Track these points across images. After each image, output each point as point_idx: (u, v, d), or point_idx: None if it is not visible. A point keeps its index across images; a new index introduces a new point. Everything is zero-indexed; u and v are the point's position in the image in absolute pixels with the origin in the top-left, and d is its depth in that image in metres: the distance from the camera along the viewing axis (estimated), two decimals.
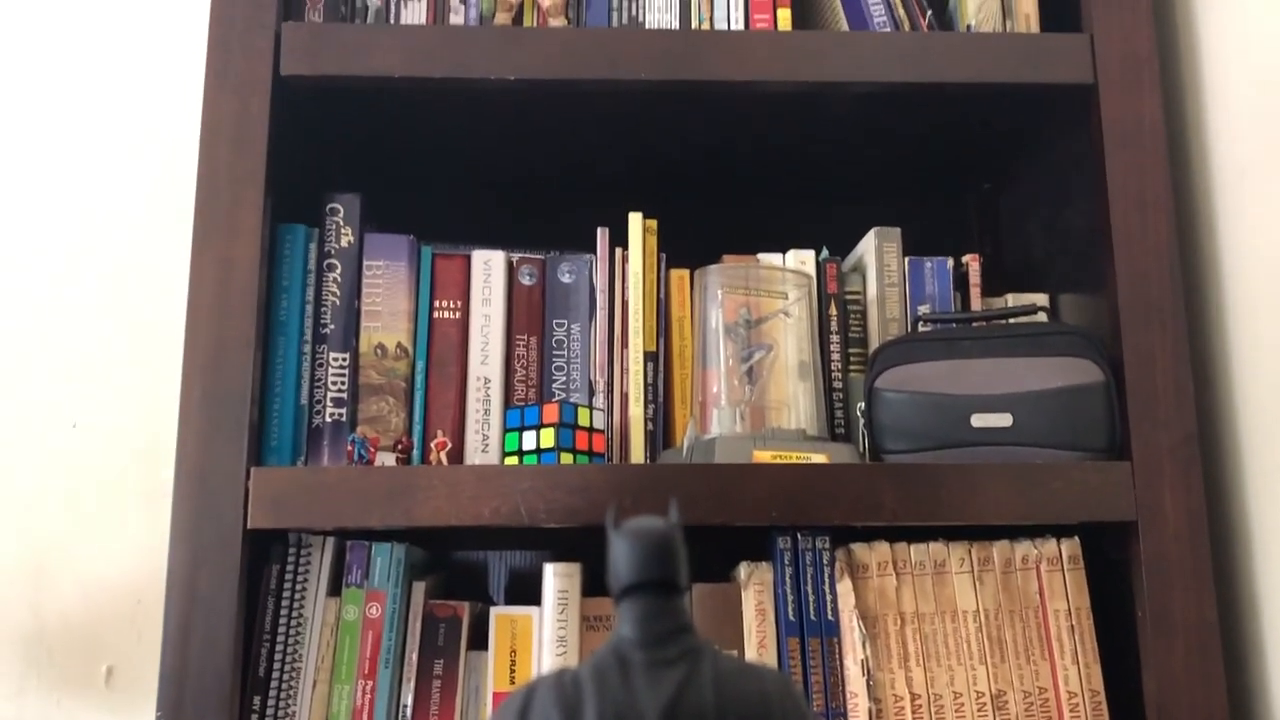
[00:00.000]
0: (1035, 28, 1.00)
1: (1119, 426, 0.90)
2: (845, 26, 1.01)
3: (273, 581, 0.89)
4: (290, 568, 0.89)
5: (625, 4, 1.03)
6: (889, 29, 1.00)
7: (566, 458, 0.92)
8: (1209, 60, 0.99)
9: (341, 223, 0.99)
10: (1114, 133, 0.94)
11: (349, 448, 0.93)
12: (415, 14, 1.02)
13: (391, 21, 1.01)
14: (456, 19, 1.02)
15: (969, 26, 1.00)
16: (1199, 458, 0.89)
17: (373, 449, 0.94)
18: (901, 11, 1.01)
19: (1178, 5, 1.03)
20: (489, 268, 1.02)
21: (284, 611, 0.88)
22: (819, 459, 0.90)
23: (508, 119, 1.03)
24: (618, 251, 1.03)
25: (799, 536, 0.90)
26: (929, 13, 1.01)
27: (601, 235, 1.03)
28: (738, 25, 1.01)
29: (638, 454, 0.99)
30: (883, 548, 0.90)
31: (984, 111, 1.03)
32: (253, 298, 0.88)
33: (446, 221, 1.19)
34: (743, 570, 0.90)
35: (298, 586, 0.89)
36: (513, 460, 0.94)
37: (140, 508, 1.15)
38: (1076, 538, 0.92)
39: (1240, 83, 0.94)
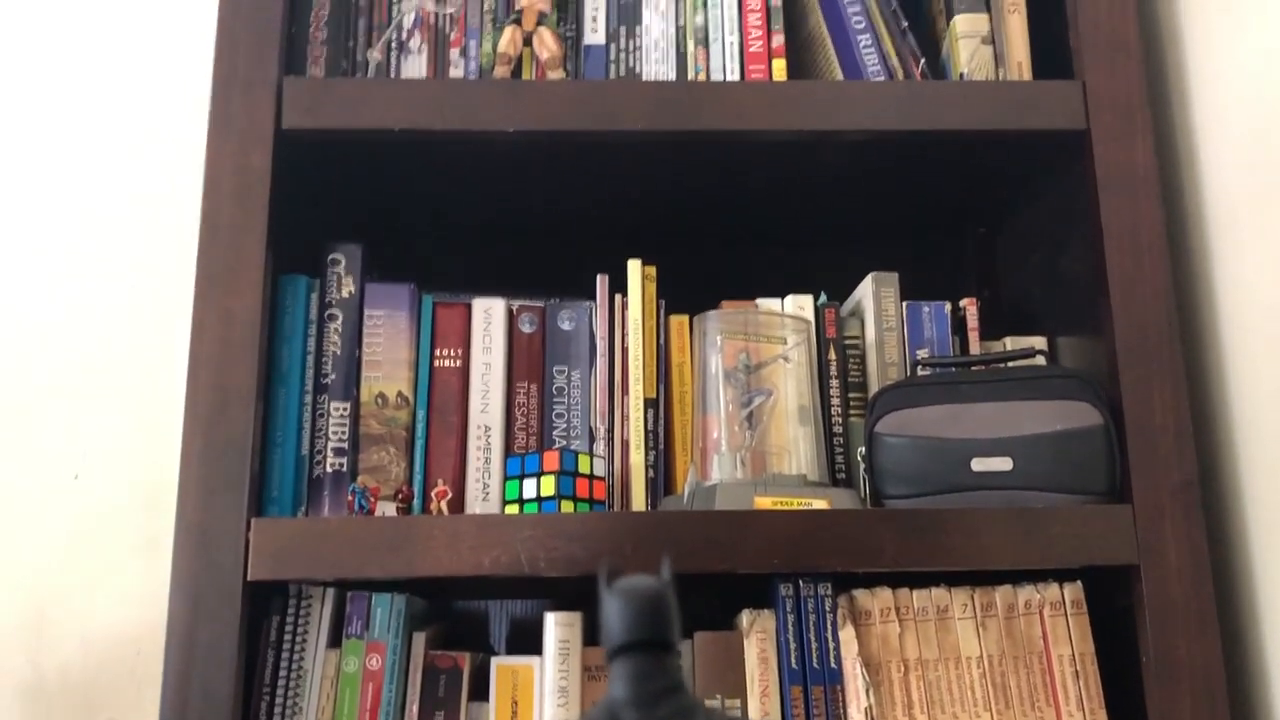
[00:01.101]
0: (1027, 75, 1.01)
1: (1119, 469, 0.90)
2: (839, 76, 1.03)
3: (273, 633, 0.89)
4: (290, 619, 0.89)
5: (622, 56, 1.04)
6: (883, 78, 1.01)
7: (567, 506, 0.92)
8: (1199, 105, 1.00)
9: (342, 273, 0.99)
10: (1108, 178, 0.95)
11: (350, 498, 0.93)
12: (415, 68, 1.03)
13: (392, 75, 1.03)
14: (456, 72, 1.03)
15: (962, 75, 1.01)
16: (1200, 500, 0.89)
17: (373, 499, 0.94)
18: (895, 60, 1.02)
19: (1168, 52, 1.05)
20: (489, 316, 1.02)
21: (284, 664, 0.88)
22: (820, 505, 0.90)
23: (507, 169, 1.04)
24: (617, 298, 1.03)
25: (801, 583, 0.89)
26: (922, 61, 1.03)
27: (601, 282, 1.04)
28: (733, 76, 1.02)
29: (639, 501, 0.99)
30: (885, 594, 0.90)
31: (978, 158, 1.04)
32: (254, 349, 0.88)
33: (447, 270, 1.20)
34: (745, 618, 0.89)
35: (298, 638, 0.89)
36: (513, 509, 0.94)
37: (140, 559, 1.15)
38: (1079, 582, 0.91)
39: (1231, 127, 0.95)
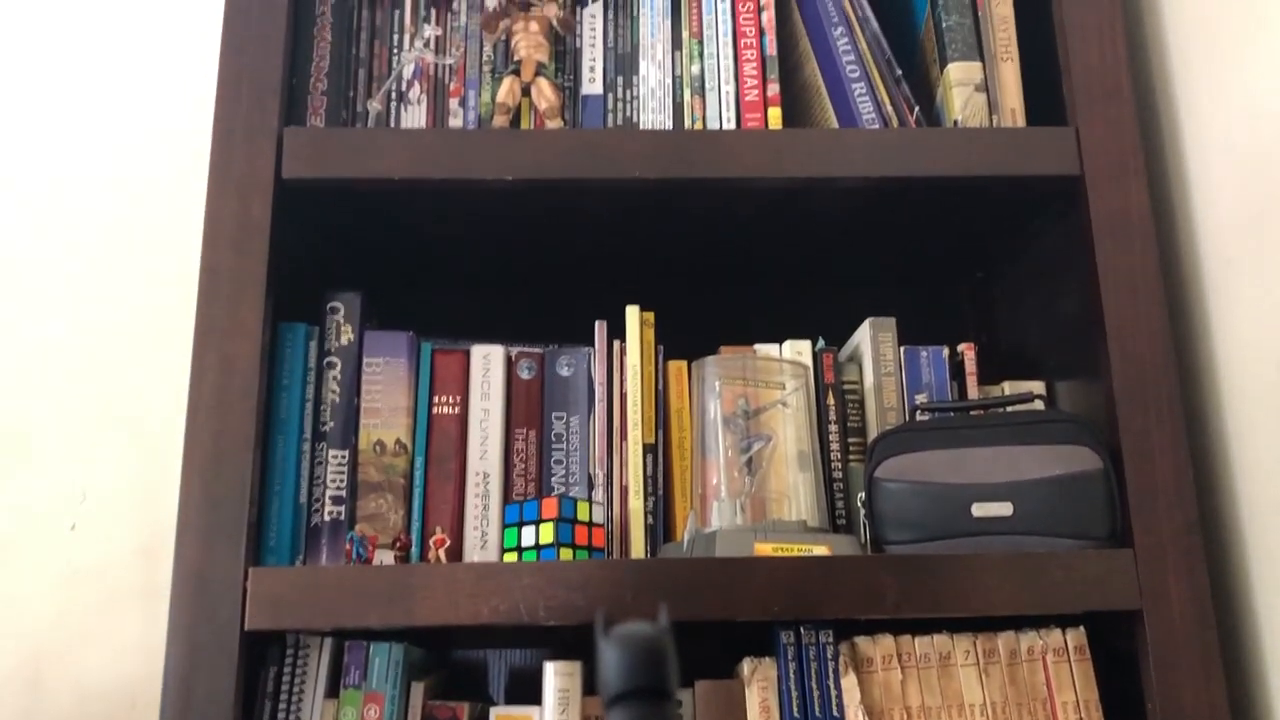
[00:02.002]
0: (1021, 122, 1.02)
1: (1120, 514, 0.90)
2: (835, 124, 1.04)
3: (270, 684, 0.88)
4: (288, 669, 0.88)
5: (620, 106, 1.05)
6: (877, 125, 1.02)
7: (566, 553, 0.91)
8: (1192, 150, 1.01)
9: (342, 321, 1.00)
10: (1102, 223, 0.95)
11: (347, 546, 0.93)
12: (415, 117, 1.04)
13: (392, 125, 1.03)
14: (456, 122, 1.04)
15: (956, 121, 1.02)
16: (1202, 544, 0.89)
17: (371, 547, 0.94)
18: (889, 108, 1.03)
19: (1160, 98, 1.06)
20: (488, 362, 1.03)
21: (281, 714, 0.87)
22: (821, 551, 0.89)
23: (506, 217, 1.04)
24: (615, 344, 1.04)
25: (802, 631, 0.89)
26: (916, 109, 1.04)
27: (599, 328, 1.04)
28: (730, 124, 1.03)
29: (638, 548, 0.98)
30: (887, 641, 0.89)
31: (974, 203, 1.04)
32: (253, 397, 0.88)
33: (446, 316, 1.20)
34: (746, 666, 0.89)
35: (295, 689, 0.88)
36: (512, 557, 0.94)
37: (137, 609, 1.14)
38: (1082, 628, 0.91)
39: (1223, 171, 0.96)
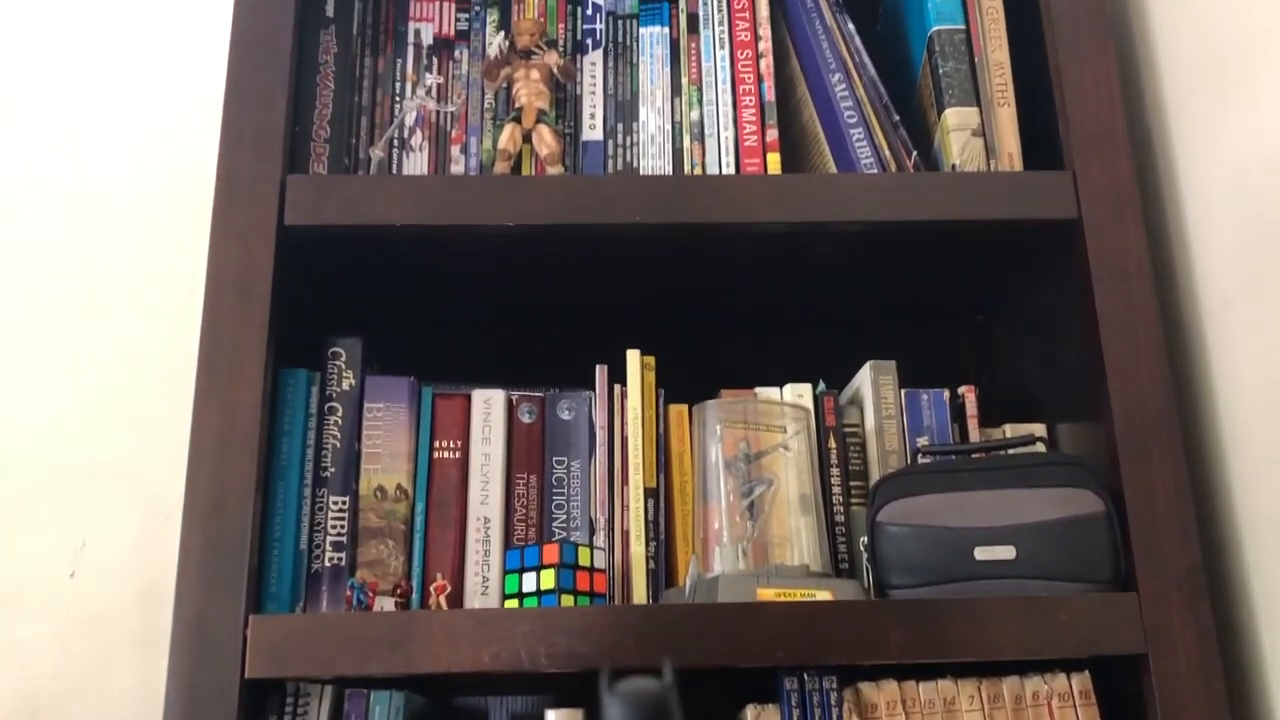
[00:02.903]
0: (1018, 166, 1.03)
1: (1123, 557, 0.90)
2: (833, 168, 1.04)
3: None
4: (288, 718, 0.87)
5: (620, 152, 1.06)
6: (876, 170, 1.03)
7: (567, 599, 0.91)
8: (1189, 194, 1.02)
9: (343, 366, 1.00)
10: (1101, 265, 0.96)
11: (348, 593, 0.93)
12: (417, 164, 1.05)
13: (394, 171, 1.04)
14: (457, 168, 1.05)
15: (954, 166, 1.03)
16: (1206, 588, 0.88)
17: (372, 594, 0.93)
18: (887, 153, 1.04)
19: (1156, 142, 1.07)
20: (489, 406, 1.03)
21: None
22: (824, 596, 0.89)
23: (507, 262, 1.05)
24: (617, 388, 1.04)
25: (805, 677, 0.88)
26: (914, 153, 1.05)
27: (600, 372, 1.04)
28: (729, 169, 1.04)
29: (640, 593, 0.98)
30: (891, 686, 0.89)
31: (972, 247, 1.05)
32: (254, 443, 0.88)
33: (447, 361, 1.20)
34: (749, 713, 0.88)
35: None
36: (513, 603, 0.93)
37: (136, 657, 1.13)
38: (1087, 672, 0.90)
39: (1221, 216, 0.97)
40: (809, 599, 0.88)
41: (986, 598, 0.88)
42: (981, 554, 0.91)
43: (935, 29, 1.06)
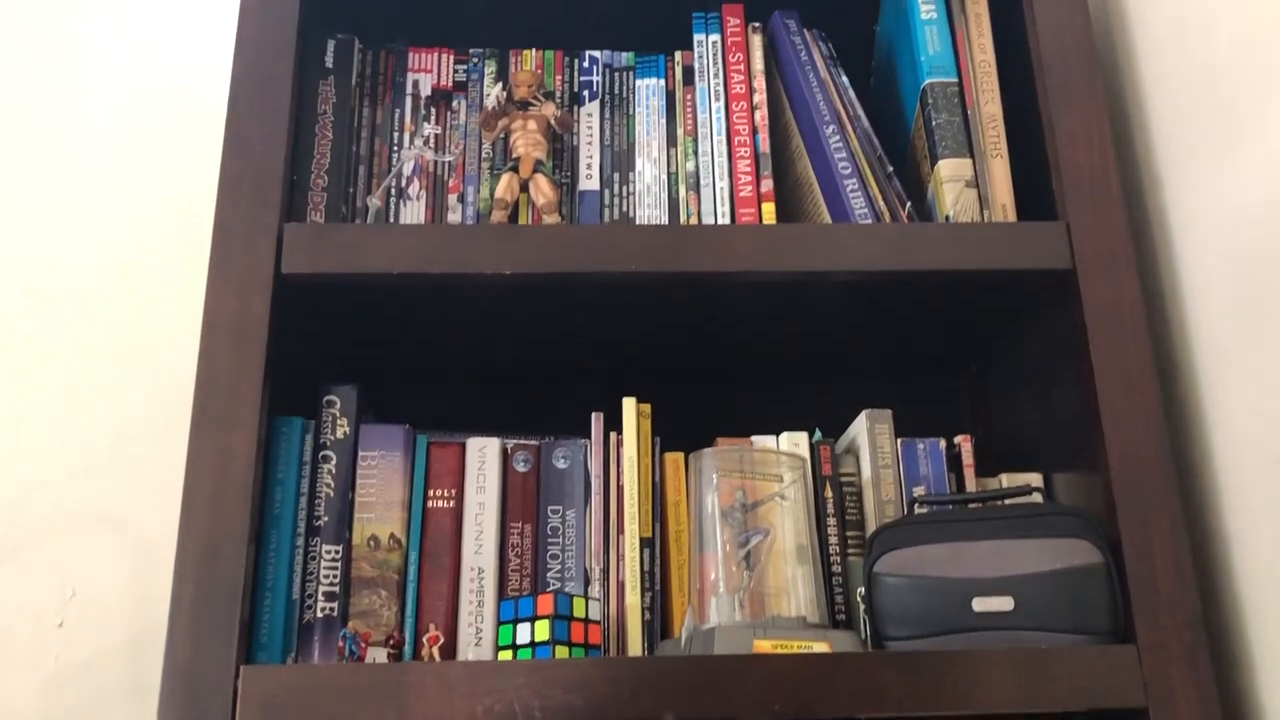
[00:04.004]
0: (1012, 217, 1.04)
1: (1122, 608, 0.89)
2: (828, 218, 1.05)
3: None
4: None
5: (616, 201, 1.07)
6: (870, 220, 1.04)
7: (562, 651, 0.90)
8: (1181, 244, 1.02)
9: (338, 414, 0.99)
10: (1095, 316, 0.96)
11: (340, 644, 0.92)
12: (414, 213, 1.06)
13: (391, 220, 1.05)
14: (454, 217, 1.06)
15: (948, 216, 1.03)
16: (1206, 639, 0.87)
17: (364, 644, 0.92)
18: (882, 203, 1.05)
19: (1148, 193, 1.08)
20: (484, 454, 1.02)
21: None
22: (821, 648, 0.88)
23: (504, 310, 1.05)
24: (612, 436, 1.03)
25: None
26: (908, 204, 1.05)
27: (596, 420, 1.04)
28: (724, 219, 1.05)
29: (635, 644, 0.97)
30: None
31: (967, 296, 1.05)
32: (248, 491, 0.88)
33: (442, 408, 1.20)
34: None
35: None
36: (507, 654, 0.92)
37: (125, 708, 1.11)
38: None
39: (1215, 267, 0.97)
40: (806, 651, 0.87)
41: (985, 649, 0.87)
42: (980, 605, 0.90)
43: (928, 82, 1.07)
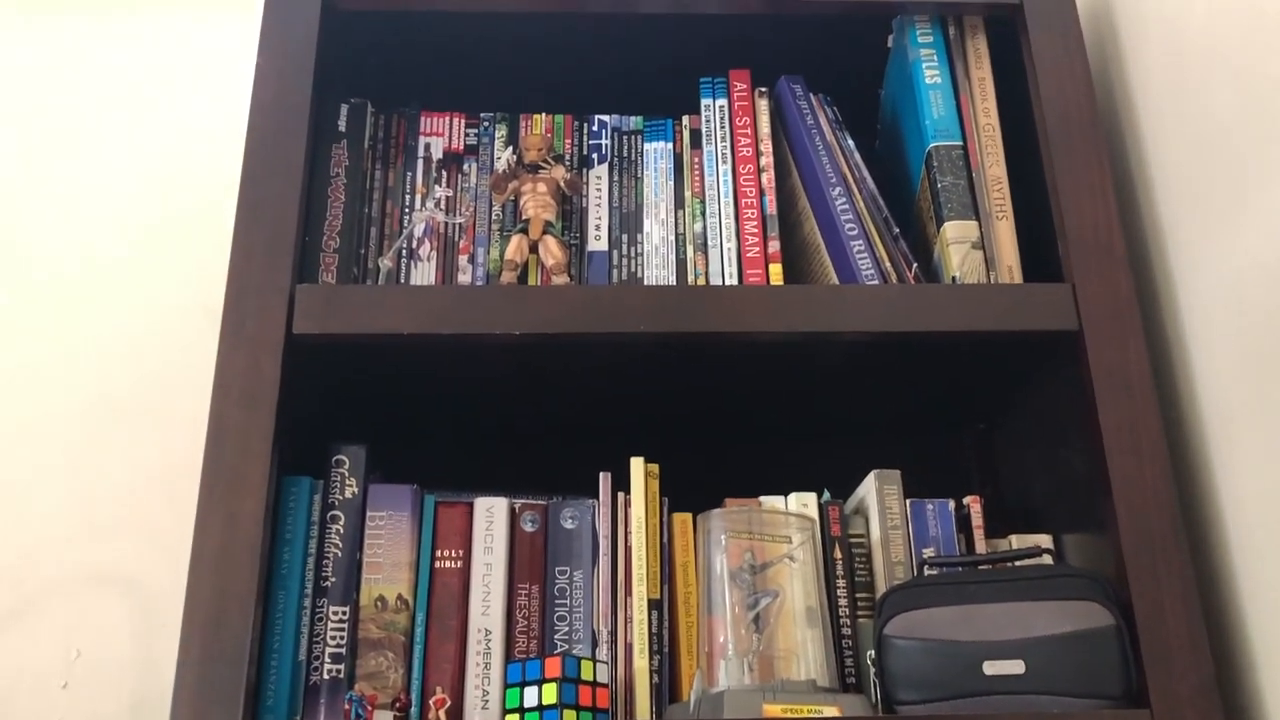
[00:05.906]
0: (1018, 278, 1.04)
1: (1134, 672, 0.88)
2: (835, 279, 1.06)
3: None
4: None
5: (624, 262, 1.08)
6: (877, 281, 1.04)
7: (569, 715, 0.89)
8: (1188, 306, 1.03)
9: (346, 474, 1.00)
10: (1102, 377, 0.96)
11: (346, 706, 0.91)
12: (425, 274, 1.07)
13: (402, 281, 1.06)
14: (464, 278, 1.07)
15: (954, 278, 1.04)
16: (1220, 703, 0.86)
17: (370, 707, 0.91)
18: (888, 264, 1.06)
19: (1154, 255, 1.08)
20: (491, 515, 1.02)
21: None
22: (831, 712, 0.87)
23: (512, 370, 1.06)
24: (620, 496, 1.03)
25: None
26: (915, 265, 1.06)
27: (604, 480, 1.04)
28: (732, 280, 1.06)
29: (643, 708, 0.96)
30: None
31: (974, 357, 1.06)
32: (256, 552, 0.88)
33: (450, 468, 1.19)
34: None
35: None
36: (514, 718, 0.91)
37: None
38: None
39: (1222, 329, 0.97)
40: (816, 715, 0.87)
41: (997, 714, 0.86)
42: (991, 668, 0.89)
43: (933, 145, 1.08)
